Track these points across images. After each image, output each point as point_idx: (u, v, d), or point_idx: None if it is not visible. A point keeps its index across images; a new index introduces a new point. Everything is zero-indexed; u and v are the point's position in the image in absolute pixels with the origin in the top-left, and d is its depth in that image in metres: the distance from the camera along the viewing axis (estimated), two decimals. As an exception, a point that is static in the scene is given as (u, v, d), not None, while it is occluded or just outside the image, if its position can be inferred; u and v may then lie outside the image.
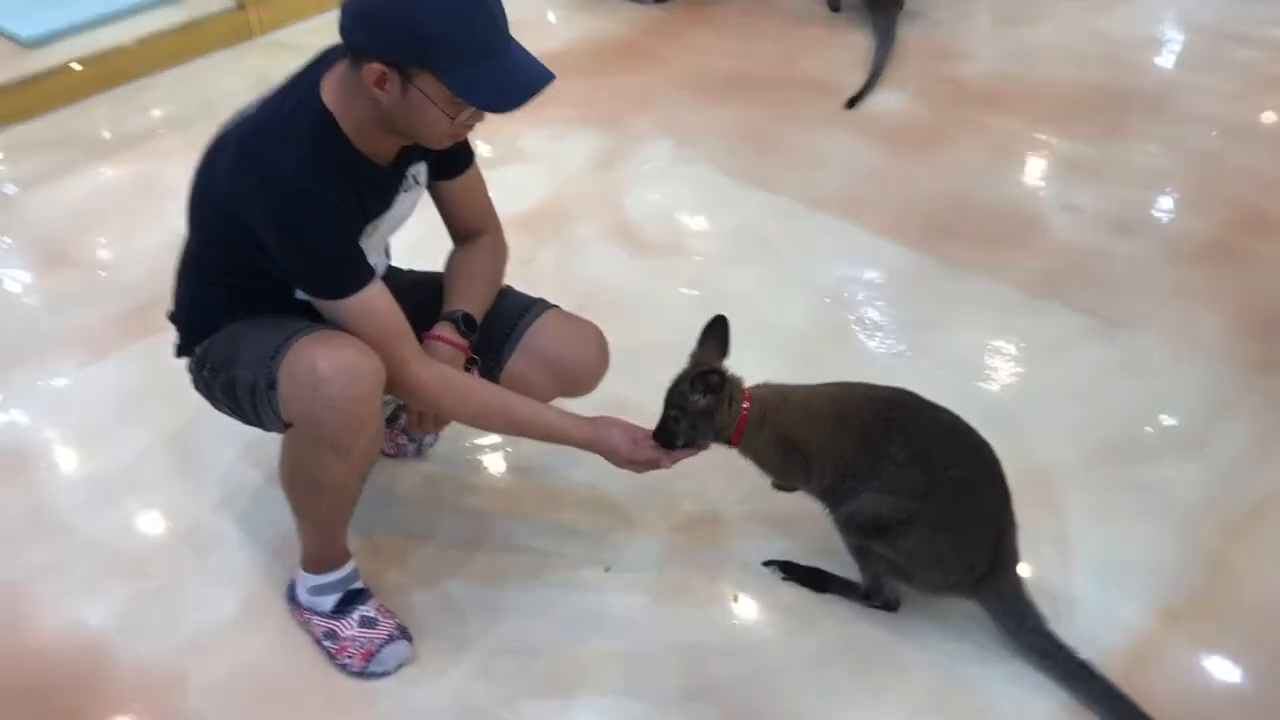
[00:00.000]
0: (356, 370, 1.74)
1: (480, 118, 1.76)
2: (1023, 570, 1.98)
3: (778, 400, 1.96)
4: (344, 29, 1.68)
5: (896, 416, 1.91)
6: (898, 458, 1.88)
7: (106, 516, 2.32)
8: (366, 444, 1.84)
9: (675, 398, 1.90)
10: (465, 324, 2.02)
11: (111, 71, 3.85)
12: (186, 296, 2.01)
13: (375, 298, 1.81)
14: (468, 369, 2.02)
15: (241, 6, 4.09)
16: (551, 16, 4.41)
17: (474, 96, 1.68)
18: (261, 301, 1.91)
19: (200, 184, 1.87)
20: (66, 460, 2.48)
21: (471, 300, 2.06)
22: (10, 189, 3.42)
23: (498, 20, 1.68)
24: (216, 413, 2.02)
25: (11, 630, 2.10)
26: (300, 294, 1.88)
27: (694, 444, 1.93)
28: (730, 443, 1.97)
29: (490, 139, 3.45)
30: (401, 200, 1.94)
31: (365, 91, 1.69)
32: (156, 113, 3.78)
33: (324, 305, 1.81)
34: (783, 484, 2.05)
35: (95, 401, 2.61)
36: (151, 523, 2.32)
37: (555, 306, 2.15)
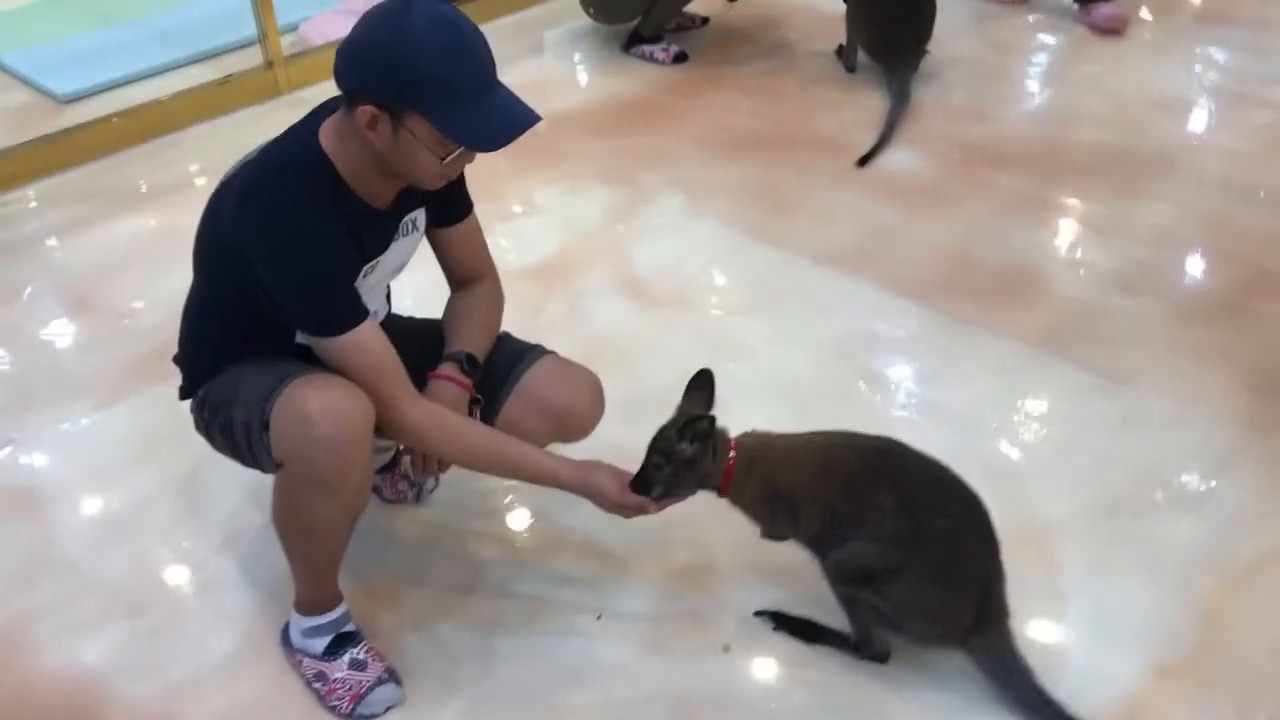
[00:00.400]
0: (346, 411, 1.77)
1: (470, 158, 1.81)
2: (1015, 623, 1.96)
3: (763, 449, 1.97)
4: (338, 73, 1.73)
5: (882, 465, 1.92)
6: (884, 505, 1.88)
7: (112, 556, 2.35)
8: (357, 485, 1.87)
9: (662, 445, 1.90)
10: (469, 363, 2.05)
11: (144, 127, 3.96)
12: (190, 339, 2.05)
13: (368, 336, 1.84)
14: (472, 408, 2.05)
15: (270, 65, 4.21)
16: (581, 77, 4.48)
17: (461, 136, 1.73)
18: (263, 345, 1.94)
19: (206, 227, 1.93)
20: (77, 501, 2.52)
21: (472, 342, 2.09)
22: (42, 238, 3.50)
23: (485, 63, 1.73)
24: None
25: (10, 668, 2.13)
26: (300, 337, 1.92)
27: (673, 493, 1.93)
28: (720, 492, 1.98)
29: (504, 193, 3.51)
30: (399, 245, 1.98)
31: (359, 134, 1.75)
32: (189, 166, 3.87)
33: (318, 343, 1.85)
34: (772, 534, 2.04)
35: (109, 444, 2.66)
36: (155, 563, 2.35)
37: (551, 352, 2.18)
